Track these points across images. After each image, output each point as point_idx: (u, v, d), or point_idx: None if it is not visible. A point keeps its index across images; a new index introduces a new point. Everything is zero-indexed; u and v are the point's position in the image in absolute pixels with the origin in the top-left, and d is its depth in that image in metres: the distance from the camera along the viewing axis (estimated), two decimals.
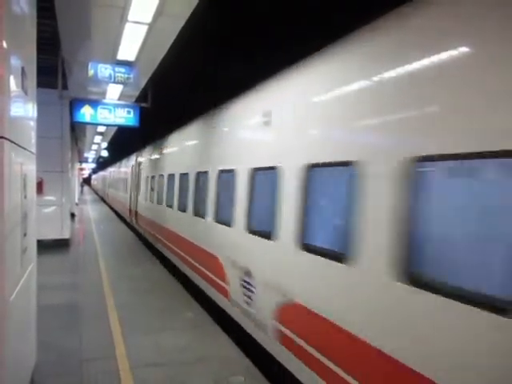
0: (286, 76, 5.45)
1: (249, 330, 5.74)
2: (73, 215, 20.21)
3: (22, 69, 3.72)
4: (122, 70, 8.45)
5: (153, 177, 14.00)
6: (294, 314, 4.62)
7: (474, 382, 2.64)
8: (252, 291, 5.59)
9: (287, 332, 4.66)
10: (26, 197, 3.93)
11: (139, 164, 17.50)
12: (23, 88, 3.79)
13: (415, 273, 3.05)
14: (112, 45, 7.43)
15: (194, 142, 9.52)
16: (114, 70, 8.44)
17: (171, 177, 11.02)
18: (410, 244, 3.11)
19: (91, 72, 8.42)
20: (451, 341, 2.78)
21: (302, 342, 4.37)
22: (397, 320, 3.20)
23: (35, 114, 4.69)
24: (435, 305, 2.87)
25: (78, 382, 4.73)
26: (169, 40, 7.17)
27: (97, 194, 58.01)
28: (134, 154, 19.82)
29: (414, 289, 3.03)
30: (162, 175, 12.41)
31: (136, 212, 17.11)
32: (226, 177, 6.95)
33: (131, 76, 8.56)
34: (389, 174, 3.33)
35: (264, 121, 5.68)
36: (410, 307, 3.10)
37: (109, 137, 22.72)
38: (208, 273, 7.62)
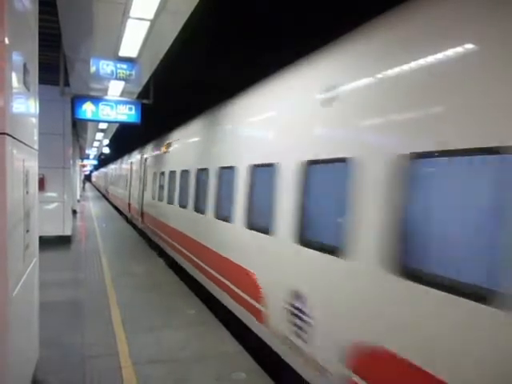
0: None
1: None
2: (74, 212, 20.23)
3: (24, 65, 3.71)
4: (124, 66, 8.41)
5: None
6: None
7: None
8: None
9: None
10: (28, 193, 3.92)
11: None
12: (25, 84, 3.78)
13: None
14: (114, 41, 7.40)
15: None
16: (115, 67, 8.39)
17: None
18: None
19: (93, 68, 8.38)
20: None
21: None
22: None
23: (37, 111, 4.68)
24: None
25: (80, 379, 4.74)
26: (171, 36, 7.14)
27: (98, 190, 59.14)
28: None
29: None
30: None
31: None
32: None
33: (133, 72, 8.52)
34: None
35: None
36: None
37: (110, 134, 22.70)
38: None
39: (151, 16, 6.08)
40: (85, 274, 9.58)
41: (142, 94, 11.12)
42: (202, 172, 8.36)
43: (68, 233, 13.33)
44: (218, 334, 6.24)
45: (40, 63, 4.70)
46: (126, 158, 25.40)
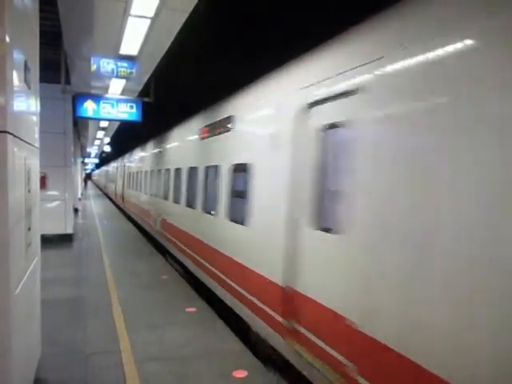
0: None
1: None
2: (76, 210, 20.25)
3: (25, 63, 3.70)
4: (125, 64, 8.41)
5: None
6: None
7: None
8: None
9: None
10: (29, 191, 3.92)
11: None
12: (26, 82, 3.78)
13: None
14: (114, 39, 7.40)
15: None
16: (116, 65, 8.40)
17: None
18: None
19: (94, 66, 8.39)
20: None
21: None
22: None
23: (38, 109, 4.68)
24: None
25: (82, 376, 4.75)
26: (171, 34, 7.14)
27: (98, 187, 59.80)
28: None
29: None
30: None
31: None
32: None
33: (134, 70, 8.53)
34: None
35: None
36: None
37: (111, 132, 22.72)
38: None
39: (152, 14, 6.08)
40: (87, 272, 9.60)
41: (143, 92, 11.12)
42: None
43: (70, 231, 13.35)
44: (220, 332, 6.25)
45: (41, 61, 4.69)
46: None
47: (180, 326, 6.40)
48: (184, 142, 10.47)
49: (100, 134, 22.46)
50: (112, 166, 36.57)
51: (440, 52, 2.89)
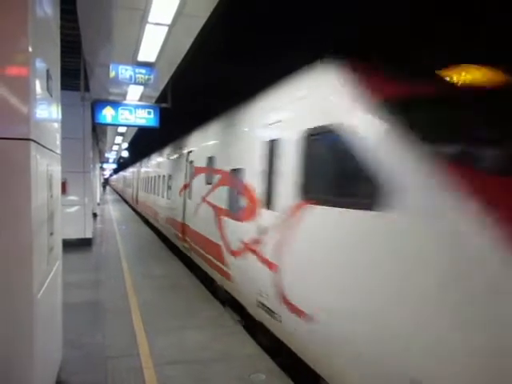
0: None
1: None
2: (95, 215, 20.52)
3: (47, 71, 3.79)
4: (143, 71, 8.52)
5: None
6: None
7: None
8: None
9: None
10: (52, 196, 4.01)
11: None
12: (48, 90, 3.86)
13: None
14: (133, 46, 7.51)
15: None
16: (134, 72, 8.51)
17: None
18: None
19: (112, 73, 8.52)
20: None
21: None
22: None
23: (60, 116, 4.78)
24: None
25: (102, 379, 4.81)
26: (189, 40, 7.21)
27: (116, 192, 60.52)
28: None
29: None
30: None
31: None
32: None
33: (151, 77, 8.63)
34: None
35: None
36: None
37: (129, 137, 22.99)
38: None
39: (169, 21, 6.15)
40: (106, 276, 9.72)
41: (161, 98, 11.24)
42: None
43: (89, 235, 13.54)
44: (238, 336, 6.26)
45: (61, 69, 4.79)
46: None
47: (198, 329, 6.44)
48: None
49: (118, 139, 22.75)
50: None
51: None
